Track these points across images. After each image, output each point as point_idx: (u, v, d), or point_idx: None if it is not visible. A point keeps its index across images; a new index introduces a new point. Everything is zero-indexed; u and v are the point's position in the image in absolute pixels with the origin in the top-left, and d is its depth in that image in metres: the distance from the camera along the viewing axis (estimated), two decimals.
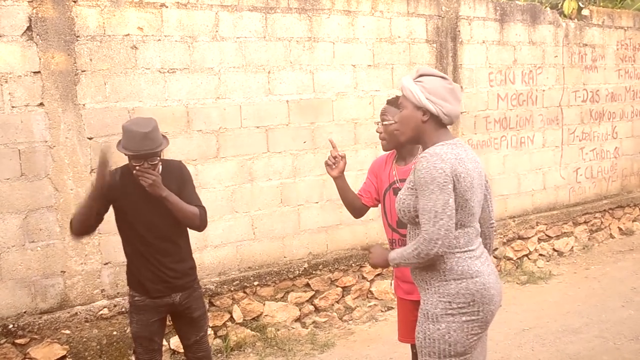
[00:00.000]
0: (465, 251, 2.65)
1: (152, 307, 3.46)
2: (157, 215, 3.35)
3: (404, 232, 3.41)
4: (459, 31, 6.55)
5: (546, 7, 7.99)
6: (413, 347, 3.64)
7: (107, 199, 3.34)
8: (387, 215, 3.50)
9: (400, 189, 3.29)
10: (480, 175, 2.70)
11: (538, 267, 7.24)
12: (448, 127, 2.73)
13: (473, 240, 2.69)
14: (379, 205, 3.58)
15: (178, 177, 3.48)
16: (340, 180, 3.48)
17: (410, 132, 2.73)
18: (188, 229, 3.55)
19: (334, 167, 3.45)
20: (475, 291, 2.62)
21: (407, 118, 2.72)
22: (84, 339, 4.51)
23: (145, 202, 3.32)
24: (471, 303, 2.62)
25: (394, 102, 3.42)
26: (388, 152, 3.61)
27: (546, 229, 7.50)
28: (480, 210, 2.78)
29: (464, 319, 2.62)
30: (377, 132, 3.48)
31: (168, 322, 3.69)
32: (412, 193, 2.64)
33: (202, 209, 3.49)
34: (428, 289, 2.70)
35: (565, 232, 7.74)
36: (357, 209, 3.63)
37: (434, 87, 2.65)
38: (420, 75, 2.71)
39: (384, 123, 3.39)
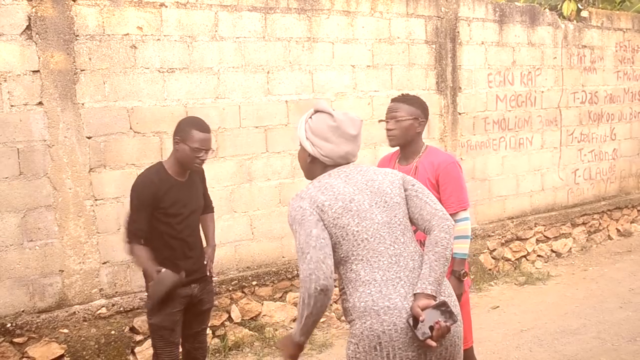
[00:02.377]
0: (371, 282, 2.27)
1: (176, 298, 3.50)
2: (189, 210, 3.57)
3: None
4: (458, 32, 6.56)
5: (545, 8, 8.00)
6: None
7: (154, 205, 3.47)
8: None
9: None
10: (378, 194, 2.39)
11: (536, 268, 7.25)
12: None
13: (389, 269, 2.30)
14: None
15: (202, 174, 3.83)
16: None
17: (304, 171, 2.63)
18: None
19: None
20: (381, 332, 2.21)
21: (299, 156, 2.63)
22: (82, 338, 4.51)
23: (184, 200, 3.54)
24: (377, 347, 2.22)
25: (402, 99, 3.43)
26: (393, 151, 3.60)
27: (544, 230, 7.51)
28: (399, 229, 2.40)
29: None
30: (388, 128, 3.41)
31: None
32: None
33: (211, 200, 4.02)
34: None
35: (563, 233, 7.74)
36: None
37: (316, 126, 2.47)
38: (315, 112, 2.54)
39: (399, 119, 3.36)
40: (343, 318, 2.50)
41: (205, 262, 3.73)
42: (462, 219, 3.35)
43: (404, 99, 3.43)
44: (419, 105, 3.42)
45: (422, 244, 3.21)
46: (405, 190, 2.47)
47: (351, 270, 2.33)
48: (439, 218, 2.39)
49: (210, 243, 3.90)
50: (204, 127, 3.49)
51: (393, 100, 3.47)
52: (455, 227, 3.25)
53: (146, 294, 3.57)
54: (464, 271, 3.35)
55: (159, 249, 3.51)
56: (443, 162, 3.37)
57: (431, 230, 2.38)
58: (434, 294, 2.25)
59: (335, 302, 5.73)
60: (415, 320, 2.21)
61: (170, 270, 3.41)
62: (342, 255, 2.34)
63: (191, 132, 3.43)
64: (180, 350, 3.77)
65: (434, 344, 2.19)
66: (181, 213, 3.52)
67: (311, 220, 2.29)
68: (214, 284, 3.91)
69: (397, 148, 3.54)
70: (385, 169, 2.56)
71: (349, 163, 2.50)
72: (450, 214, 3.25)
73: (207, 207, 3.93)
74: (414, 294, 2.27)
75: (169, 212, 3.47)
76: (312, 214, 2.30)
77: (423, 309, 2.20)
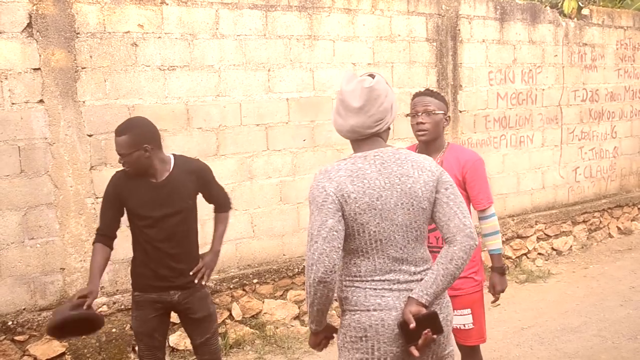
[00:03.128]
0: (368, 281, 2.30)
1: (149, 303, 3.45)
2: (161, 213, 3.35)
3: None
4: (459, 30, 6.55)
5: (546, 6, 7.99)
6: None
7: (119, 203, 3.38)
8: None
9: None
10: (407, 194, 2.30)
11: (537, 266, 7.25)
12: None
13: (390, 271, 2.31)
14: None
15: (201, 173, 3.55)
16: None
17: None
18: (197, 231, 3.58)
19: None
20: (368, 325, 2.27)
21: None
22: (83, 336, 4.51)
23: (150, 201, 3.34)
24: (363, 338, 2.28)
25: (430, 93, 3.36)
26: (411, 146, 3.54)
27: (545, 228, 7.51)
28: (413, 234, 2.34)
29: (357, 355, 2.31)
30: (420, 122, 3.30)
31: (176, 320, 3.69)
32: None
33: (227, 199, 3.77)
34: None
35: (564, 231, 7.75)
36: None
37: (335, 101, 2.42)
38: None
39: (431, 112, 3.27)
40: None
41: (195, 270, 3.49)
42: (492, 215, 3.41)
43: (432, 93, 3.36)
44: (444, 101, 3.39)
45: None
46: (437, 192, 2.35)
47: (354, 264, 2.33)
48: (465, 235, 2.28)
49: (213, 248, 3.66)
50: (116, 131, 3.32)
51: (420, 94, 3.37)
52: (487, 223, 3.37)
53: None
54: (505, 265, 3.42)
55: (137, 254, 3.46)
56: (470, 159, 3.35)
57: (452, 244, 2.29)
58: (426, 304, 2.26)
59: (336, 300, 5.72)
60: (405, 324, 2.23)
61: (148, 276, 3.39)
62: (352, 247, 2.32)
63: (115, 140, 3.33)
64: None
65: (417, 353, 2.23)
66: (150, 216, 3.33)
67: (331, 209, 2.22)
68: (214, 283, 3.82)
69: (413, 143, 3.51)
70: (424, 161, 2.39)
71: (364, 137, 2.36)
72: (481, 210, 3.37)
73: (220, 206, 3.74)
74: (408, 297, 2.28)
75: (137, 213, 3.35)
76: (334, 202, 2.23)
77: (414, 315, 2.22)
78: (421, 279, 2.32)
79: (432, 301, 2.27)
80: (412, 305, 2.25)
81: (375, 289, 2.29)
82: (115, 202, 3.37)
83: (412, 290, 2.29)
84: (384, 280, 2.30)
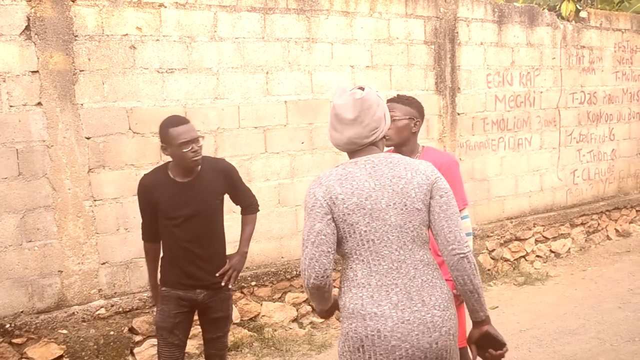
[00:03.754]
0: (364, 286, 2.27)
1: (175, 299, 3.51)
2: (188, 213, 3.44)
3: None
4: (457, 32, 6.56)
5: (544, 9, 8.00)
6: None
7: (152, 205, 3.46)
8: None
9: None
10: (400, 194, 2.28)
11: (535, 269, 7.25)
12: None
13: (387, 274, 2.27)
14: None
15: (228, 172, 3.66)
16: None
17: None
18: (224, 232, 3.70)
19: None
20: (364, 336, 2.23)
21: None
22: (81, 339, 4.51)
23: (178, 200, 3.43)
24: (360, 349, 2.24)
25: (397, 99, 3.41)
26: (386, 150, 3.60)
27: (543, 231, 7.51)
28: (408, 235, 2.31)
29: None
30: None
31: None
32: None
33: (254, 200, 3.90)
34: None
35: (562, 234, 7.75)
36: None
37: (329, 116, 2.45)
38: None
39: (394, 119, 3.28)
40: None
41: (222, 272, 3.58)
42: (465, 217, 3.41)
43: (399, 99, 3.42)
44: (415, 106, 3.42)
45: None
46: (432, 198, 2.32)
47: (350, 268, 2.32)
48: (449, 253, 2.29)
49: (240, 249, 3.73)
50: (178, 121, 3.40)
51: (388, 100, 3.44)
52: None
53: (146, 295, 3.57)
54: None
55: (166, 253, 3.55)
56: (445, 162, 3.38)
57: (447, 262, 2.32)
58: (487, 316, 2.38)
59: None
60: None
61: (175, 274, 3.48)
62: (346, 251, 2.32)
63: (169, 132, 3.35)
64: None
65: None
66: (179, 216, 3.42)
67: (318, 213, 2.25)
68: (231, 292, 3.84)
69: (390, 148, 3.54)
70: (420, 164, 2.39)
71: (361, 147, 2.38)
72: None
73: (246, 207, 3.83)
74: (473, 322, 2.37)
75: (167, 215, 3.43)
76: (322, 205, 2.26)
77: (479, 337, 2.37)
78: (421, 283, 2.29)
79: (485, 310, 2.38)
80: (482, 326, 2.39)
81: (372, 296, 2.25)
82: (148, 205, 3.47)
83: (410, 296, 2.25)
84: (380, 286, 2.26)
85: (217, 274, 3.54)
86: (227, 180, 3.61)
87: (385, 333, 2.21)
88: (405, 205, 2.29)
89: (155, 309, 3.55)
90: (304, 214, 2.32)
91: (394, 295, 2.25)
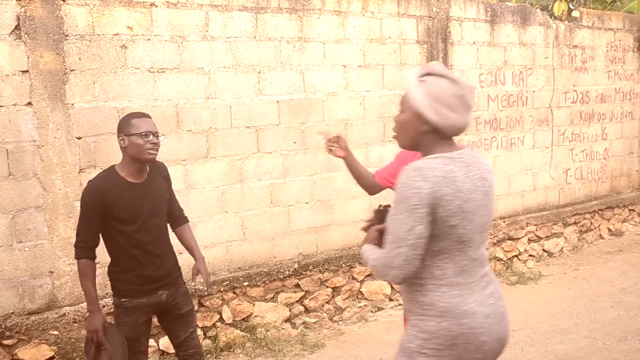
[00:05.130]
0: (453, 285, 2.26)
1: (139, 308, 3.43)
2: (147, 213, 3.38)
3: None
4: (450, 32, 6.56)
5: (536, 8, 8.00)
6: None
7: (102, 213, 3.30)
8: None
9: None
10: (485, 196, 2.31)
11: (528, 268, 7.26)
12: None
13: (469, 272, 2.29)
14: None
15: (165, 173, 3.65)
16: (348, 158, 3.41)
17: (407, 139, 2.37)
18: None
19: (335, 148, 3.36)
20: (458, 334, 2.24)
21: (405, 124, 2.34)
22: (72, 340, 4.49)
23: (137, 203, 3.34)
24: (451, 347, 2.25)
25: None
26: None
27: (536, 230, 7.53)
28: (484, 235, 2.37)
29: None
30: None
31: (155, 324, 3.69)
32: None
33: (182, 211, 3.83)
34: (410, 320, 2.37)
35: (555, 233, 7.76)
36: (371, 186, 3.55)
37: (440, 92, 2.22)
38: (427, 74, 2.28)
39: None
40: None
41: (205, 280, 3.64)
42: None
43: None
44: None
45: None
46: None
47: (438, 266, 2.27)
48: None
49: (198, 257, 3.69)
50: (141, 114, 3.39)
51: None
52: None
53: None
54: None
55: (122, 261, 3.40)
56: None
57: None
58: None
59: (327, 303, 5.72)
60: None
61: (138, 282, 3.39)
62: (436, 249, 2.26)
63: (130, 122, 3.30)
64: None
65: None
66: (138, 218, 3.33)
67: (422, 213, 2.17)
68: (204, 286, 3.85)
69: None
70: (489, 165, 2.41)
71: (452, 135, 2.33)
72: None
73: (179, 218, 3.77)
74: None
75: (123, 219, 3.30)
76: (426, 205, 2.16)
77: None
78: (489, 279, 2.37)
79: None
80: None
81: (461, 294, 2.26)
82: (96, 212, 3.28)
83: (488, 292, 2.33)
84: (467, 284, 2.28)
85: (196, 283, 3.51)
86: (167, 183, 3.61)
87: (476, 330, 2.25)
88: (488, 207, 2.34)
89: (92, 324, 3.33)
90: (400, 206, 2.19)
91: (477, 293, 2.30)
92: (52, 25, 4.35)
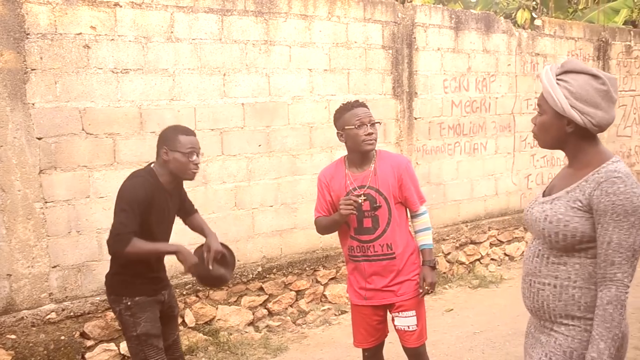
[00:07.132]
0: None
1: (154, 304, 3.44)
2: (169, 220, 3.53)
3: (364, 238, 3.44)
4: (415, 38, 6.63)
5: (500, 16, 8.14)
6: (365, 351, 3.67)
7: (145, 208, 3.25)
8: (347, 223, 3.50)
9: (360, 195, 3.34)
10: None
11: (490, 271, 7.36)
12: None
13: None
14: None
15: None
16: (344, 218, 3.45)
17: (551, 140, 2.26)
18: None
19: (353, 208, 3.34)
20: (626, 333, 2.21)
21: (548, 125, 2.23)
22: (31, 344, 4.40)
23: (167, 209, 3.44)
24: (619, 347, 2.16)
25: (366, 105, 3.50)
26: (333, 162, 3.69)
27: (498, 234, 7.63)
28: None
29: None
30: (370, 132, 3.39)
31: None
32: (584, 216, 2.13)
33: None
34: (576, 326, 2.21)
35: (516, 237, 7.88)
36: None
37: (582, 90, 2.11)
38: (565, 72, 2.17)
39: (377, 123, 3.50)
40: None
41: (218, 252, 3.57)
42: (425, 212, 3.61)
43: (366, 105, 3.51)
44: None
45: None
46: None
47: (586, 266, 2.20)
48: None
49: (208, 233, 3.66)
50: (189, 131, 3.40)
51: (359, 105, 3.45)
52: (419, 220, 3.63)
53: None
54: (435, 260, 3.58)
55: (133, 263, 3.33)
56: (402, 163, 3.54)
57: None
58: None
59: (291, 306, 5.72)
60: None
61: (149, 282, 3.42)
62: (592, 250, 2.19)
63: (178, 138, 3.30)
64: None
65: None
66: (163, 223, 3.44)
67: None
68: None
69: (339, 157, 3.67)
70: None
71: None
72: (416, 210, 3.58)
73: (190, 210, 3.82)
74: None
75: (152, 220, 3.29)
76: None
77: None
78: None
79: None
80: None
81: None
82: (141, 207, 3.21)
83: None
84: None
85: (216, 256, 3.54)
86: (182, 187, 3.67)
87: (627, 329, 2.24)
88: None
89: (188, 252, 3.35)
90: (632, 219, 2.05)
91: None
92: (12, 24, 4.27)
